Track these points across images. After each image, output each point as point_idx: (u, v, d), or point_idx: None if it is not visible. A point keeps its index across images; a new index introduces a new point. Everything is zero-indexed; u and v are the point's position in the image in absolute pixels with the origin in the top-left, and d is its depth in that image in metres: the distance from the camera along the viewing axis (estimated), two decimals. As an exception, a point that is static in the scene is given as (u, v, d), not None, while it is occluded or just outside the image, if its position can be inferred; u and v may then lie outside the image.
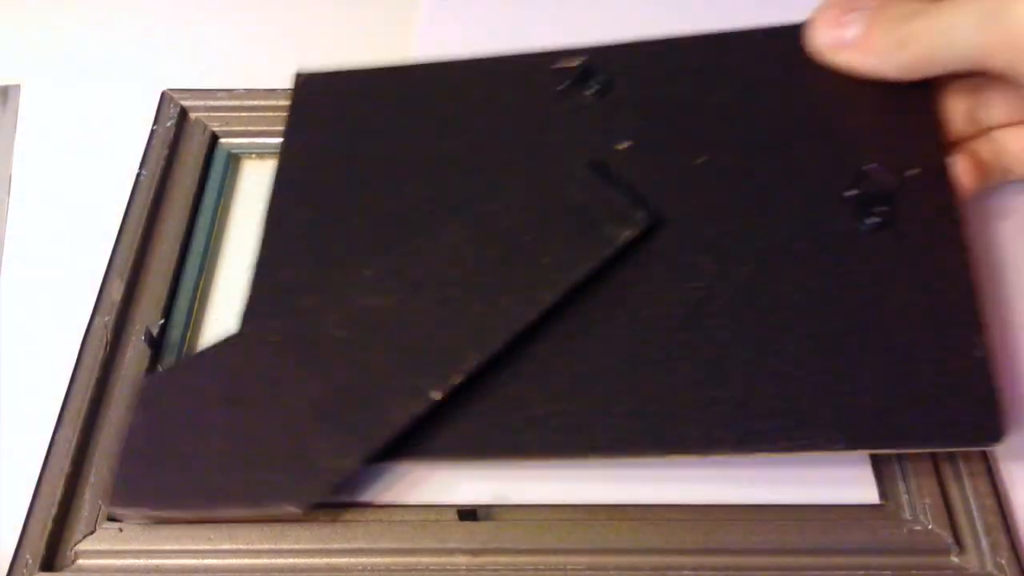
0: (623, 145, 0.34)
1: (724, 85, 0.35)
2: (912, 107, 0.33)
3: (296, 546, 0.29)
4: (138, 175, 0.38)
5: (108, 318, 0.34)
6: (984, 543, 0.28)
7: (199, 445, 0.30)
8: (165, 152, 0.38)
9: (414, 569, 0.29)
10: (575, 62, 0.36)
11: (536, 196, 0.33)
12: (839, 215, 0.32)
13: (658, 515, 0.29)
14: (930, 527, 0.28)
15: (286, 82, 0.39)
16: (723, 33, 0.36)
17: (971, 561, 0.28)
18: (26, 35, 0.44)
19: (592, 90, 0.36)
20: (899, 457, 0.30)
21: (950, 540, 0.28)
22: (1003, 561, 0.28)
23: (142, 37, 0.44)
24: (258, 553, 0.29)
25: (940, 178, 0.32)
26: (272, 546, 0.29)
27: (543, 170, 0.34)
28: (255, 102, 0.40)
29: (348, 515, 0.30)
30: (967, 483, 0.29)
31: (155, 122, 0.39)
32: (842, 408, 0.28)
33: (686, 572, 0.28)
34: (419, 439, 0.29)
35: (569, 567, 0.29)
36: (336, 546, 0.29)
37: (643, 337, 0.30)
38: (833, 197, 0.32)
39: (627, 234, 0.32)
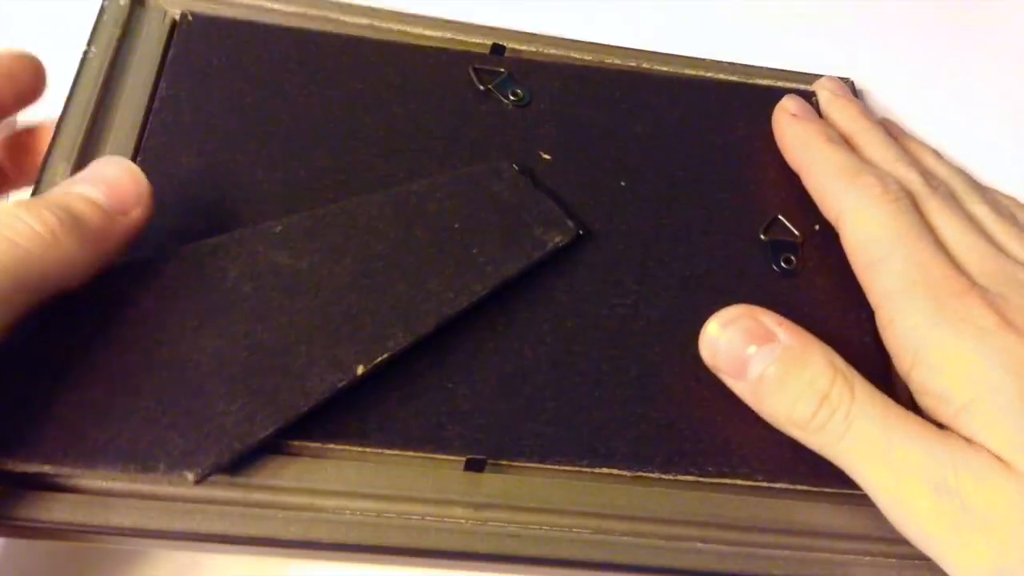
0: (545, 156, 0.34)
1: (641, 120, 0.36)
2: None
3: (274, 481, 0.25)
4: (85, 52, 0.32)
5: None
6: None
7: (71, 391, 0.24)
8: (118, 32, 0.32)
9: (407, 518, 0.25)
10: (499, 68, 0.36)
11: (462, 187, 0.31)
12: (754, 255, 0.33)
13: (670, 485, 0.28)
14: None
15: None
16: (644, 73, 0.38)
17: None
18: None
19: (512, 99, 0.35)
20: None
21: None
22: None
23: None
24: (227, 485, 0.25)
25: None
26: (246, 480, 0.25)
27: (467, 163, 0.32)
28: None
29: (339, 452, 0.26)
30: None
31: None
32: (763, 443, 0.29)
33: (695, 544, 0.27)
34: (336, 419, 0.26)
35: (575, 529, 0.26)
36: (322, 486, 0.25)
37: (569, 347, 0.29)
38: (750, 237, 0.33)
39: (558, 239, 0.31)
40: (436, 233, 0.30)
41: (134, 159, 0.30)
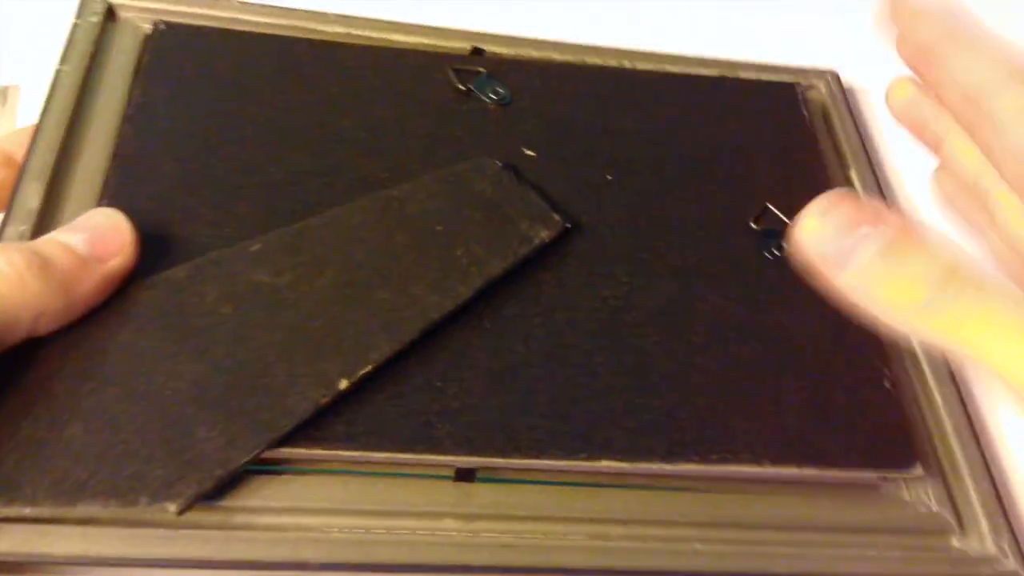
0: (529, 152, 0.33)
1: (626, 115, 0.35)
2: (805, 160, 0.36)
3: (257, 502, 0.24)
4: (58, 71, 0.31)
5: (24, 227, 0.27)
6: (985, 525, 0.28)
7: (55, 431, 0.23)
8: (91, 49, 0.32)
9: (397, 533, 0.25)
10: (479, 68, 0.35)
11: (446, 187, 0.31)
12: (747, 243, 0.32)
13: (664, 484, 0.27)
14: (934, 509, 0.28)
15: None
16: (627, 70, 0.37)
17: (972, 544, 0.28)
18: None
19: (494, 98, 0.34)
20: None
21: (953, 522, 0.28)
22: (1004, 545, 0.28)
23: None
24: (210, 509, 0.24)
25: None
26: (230, 503, 0.24)
27: (449, 162, 0.32)
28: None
29: (324, 466, 0.25)
30: (964, 467, 0.29)
31: (78, 15, 0.33)
32: (766, 426, 0.28)
33: (693, 544, 0.26)
34: (318, 425, 0.25)
35: (570, 536, 0.26)
36: (308, 504, 0.25)
37: (561, 339, 0.29)
38: (741, 226, 0.33)
39: (545, 234, 0.30)
40: (418, 237, 0.29)
41: (108, 169, 0.29)
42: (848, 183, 0.36)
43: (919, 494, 0.29)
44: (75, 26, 0.33)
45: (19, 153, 0.29)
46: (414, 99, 0.34)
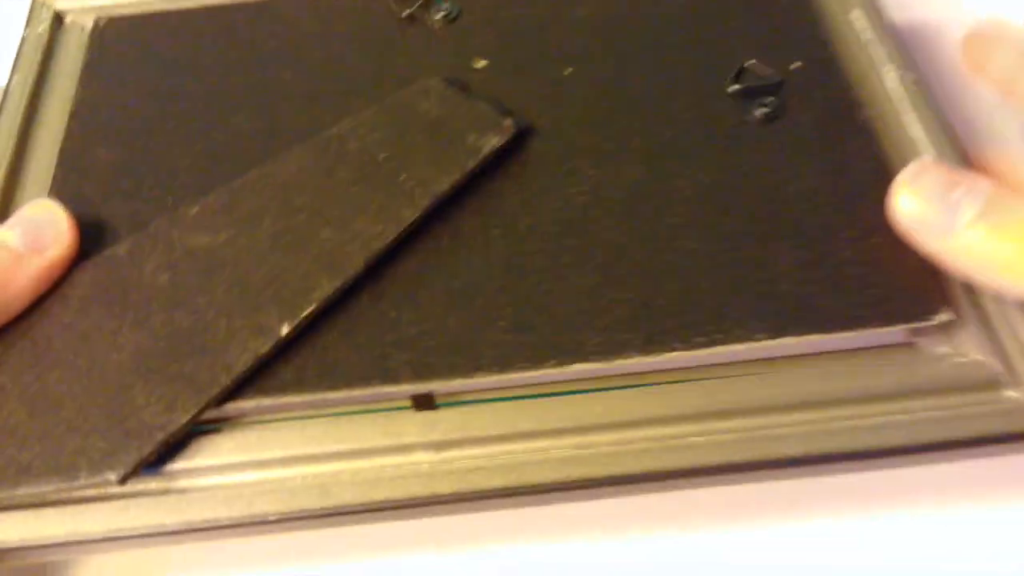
0: (480, 64, 0.31)
1: (582, 2, 0.32)
2: (791, 7, 0.32)
3: (212, 461, 0.24)
4: (8, 84, 0.32)
5: None
6: None
7: None
8: (39, 57, 0.33)
9: (364, 474, 0.24)
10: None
11: (388, 116, 0.29)
12: (724, 110, 0.29)
13: (649, 380, 0.25)
14: (977, 358, 0.24)
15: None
16: None
17: None
18: None
19: (440, 15, 0.32)
20: None
21: (1002, 369, 0.24)
22: None
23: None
24: (162, 476, 0.24)
25: (827, 68, 0.30)
26: (179, 465, 0.24)
27: (392, 91, 0.30)
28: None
29: (277, 418, 0.25)
30: (1009, 307, 0.25)
31: (26, 27, 0.34)
32: (759, 297, 0.25)
33: (692, 439, 0.24)
34: (266, 375, 0.24)
35: (553, 451, 0.24)
36: (264, 455, 0.24)
37: (523, 248, 0.26)
38: (715, 94, 0.30)
39: (494, 141, 0.28)
40: (361, 171, 0.28)
41: (55, 167, 0.29)
42: (850, 27, 0.32)
43: (957, 344, 0.25)
44: (23, 39, 0.33)
45: None
46: (355, 38, 0.32)
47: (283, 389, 0.24)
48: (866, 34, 0.31)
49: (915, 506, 0.27)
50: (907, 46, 0.31)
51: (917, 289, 0.25)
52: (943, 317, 0.24)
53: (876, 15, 0.32)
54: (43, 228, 0.26)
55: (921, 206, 0.25)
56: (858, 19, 0.32)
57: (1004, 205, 0.24)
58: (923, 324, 0.25)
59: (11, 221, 0.26)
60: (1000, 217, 0.24)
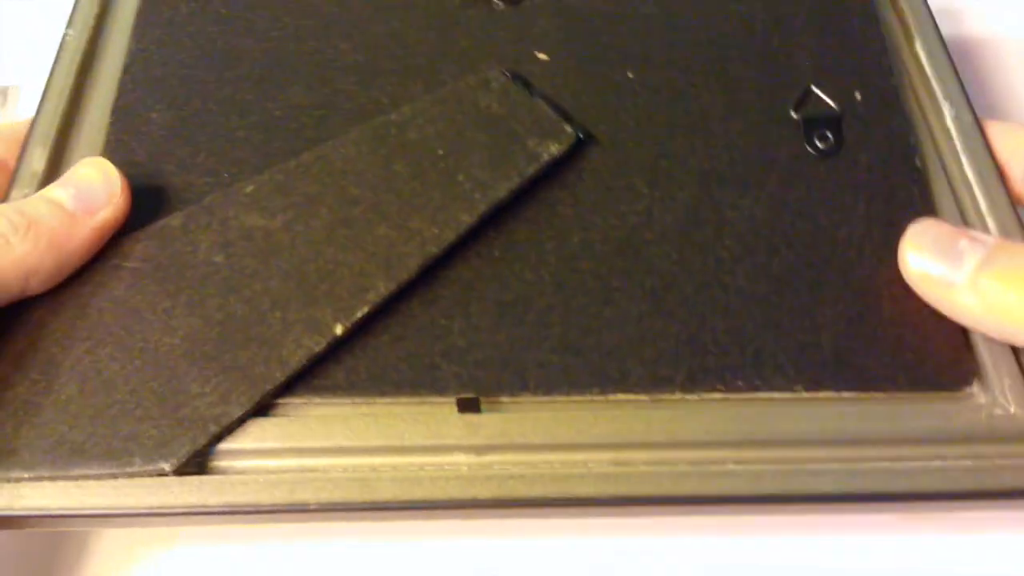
0: (542, 56, 0.31)
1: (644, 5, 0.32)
2: (859, 29, 0.32)
3: (256, 445, 0.24)
4: (65, 35, 0.31)
5: (28, 191, 0.28)
6: None
7: (50, 393, 0.24)
8: (96, 11, 0.32)
9: (405, 471, 0.24)
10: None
11: (448, 107, 0.29)
12: (785, 138, 0.29)
13: (693, 404, 0.25)
14: (1012, 410, 0.25)
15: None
16: None
17: None
18: None
19: (501, -3, 0.32)
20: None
21: None
22: None
23: None
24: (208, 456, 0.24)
25: (889, 103, 0.30)
26: (225, 447, 0.24)
27: (455, 78, 0.30)
28: None
29: (322, 408, 0.25)
30: None
31: None
32: (800, 347, 0.26)
33: (730, 466, 0.24)
34: (316, 373, 0.25)
35: (591, 464, 0.24)
36: (308, 444, 0.24)
37: (575, 264, 0.27)
38: (778, 119, 0.29)
39: (553, 149, 0.28)
40: (418, 164, 0.28)
41: (108, 124, 0.29)
42: (914, 59, 0.32)
43: (995, 396, 0.25)
44: None
45: (11, 160, 0.29)
46: (415, 12, 0.32)
47: (334, 391, 0.24)
48: (927, 67, 0.31)
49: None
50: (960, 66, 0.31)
51: (954, 355, 0.26)
52: (972, 390, 0.25)
53: (939, 47, 0.32)
54: (96, 189, 0.26)
55: (927, 259, 0.25)
56: (922, 50, 0.32)
57: (1008, 253, 0.24)
58: (952, 395, 0.25)
59: (64, 179, 0.26)
60: (1004, 265, 0.24)
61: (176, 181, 0.28)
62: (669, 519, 0.28)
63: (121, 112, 0.29)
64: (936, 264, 0.25)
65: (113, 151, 0.28)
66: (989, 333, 0.25)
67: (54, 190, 0.26)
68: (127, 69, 0.30)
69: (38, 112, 0.29)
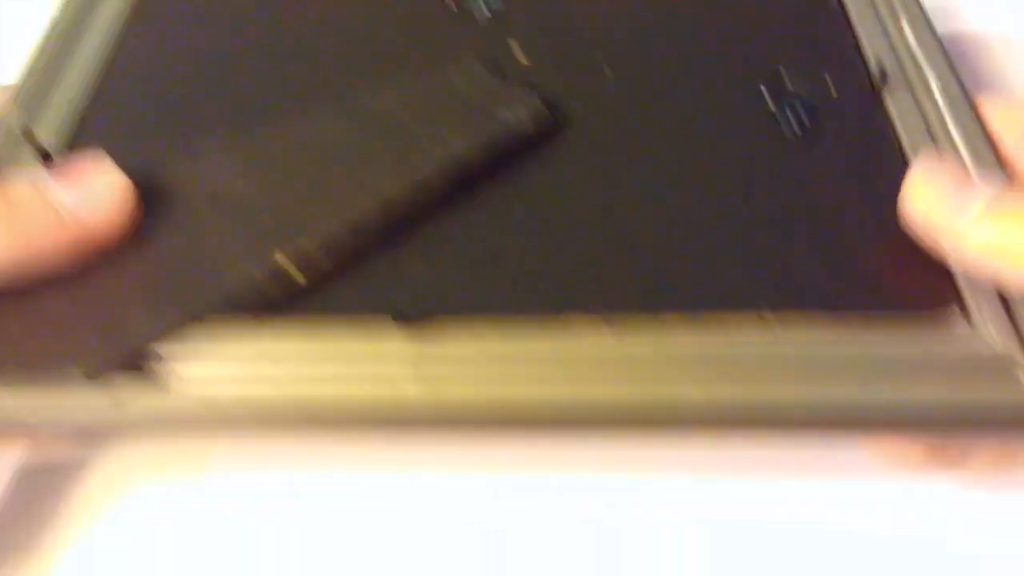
0: (522, 59, 0.32)
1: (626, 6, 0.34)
2: (828, 18, 0.32)
3: (200, 364, 0.23)
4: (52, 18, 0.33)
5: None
6: None
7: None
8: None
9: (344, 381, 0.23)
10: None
11: (421, 88, 0.30)
12: (764, 124, 0.29)
13: (653, 324, 0.24)
14: (996, 348, 0.23)
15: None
16: None
17: None
18: None
19: (487, 8, 0.34)
20: None
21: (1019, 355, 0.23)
22: None
23: None
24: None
25: (863, 86, 0.30)
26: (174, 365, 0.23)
27: (430, 67, 0.31)
28: None
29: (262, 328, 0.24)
30: None
31: None
32: (767, 273, 0.25)
33: (691, 388, 0.23)
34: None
35: (542, 375, 0.23)
36: (245, 355, 0.24)
37: (544, 225, 0.27)
38: (756, 105, 0.30)
39: (523, 115, 0.28)
40: (384, 131, 0.28)
41: (86, 110, 0.30)
42: (900, 35, 0.31)
43: (978, 330, 0.23)
44: None
45: None
46: (397, 12, 0.33)
47: (276, 310, 0.24)
48: (913, 43, 0.31)
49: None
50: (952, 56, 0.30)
51: (930, 281, 0.24)
52: (952, 313, 0.24)
53: (923, 23, 0.32)
54: (101, 206, 0.24)
55: (932, 200, 0.24)
56: (907, 27, 0.32)
57: (1015, 196, 0.23)
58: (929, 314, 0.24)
59: (72, 176, 0.25)
60: (1011, 206, 0.23)
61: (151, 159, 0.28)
62: (637, 455, 0.27)
63: (101, 102, 0.30)
64: (942, 204, 0.24)
65: (91, 138, 0.29)
66: (990, 274, 0.24)
67: (54, 186, 0.24)
68: (115, 60, 0.31)
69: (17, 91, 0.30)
